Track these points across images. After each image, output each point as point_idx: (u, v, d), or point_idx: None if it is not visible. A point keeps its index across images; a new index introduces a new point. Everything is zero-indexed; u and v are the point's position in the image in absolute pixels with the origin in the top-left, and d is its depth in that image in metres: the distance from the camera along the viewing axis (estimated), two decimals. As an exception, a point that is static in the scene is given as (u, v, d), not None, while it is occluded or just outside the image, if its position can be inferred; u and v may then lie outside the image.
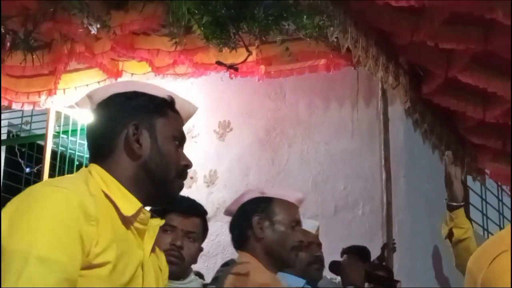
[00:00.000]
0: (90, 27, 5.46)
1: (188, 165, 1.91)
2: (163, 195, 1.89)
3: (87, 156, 6.23)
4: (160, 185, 1.86)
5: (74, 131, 7.43)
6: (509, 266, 1.83)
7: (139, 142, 1.84)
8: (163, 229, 2.68)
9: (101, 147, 1.86)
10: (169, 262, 2.75)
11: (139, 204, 1.81)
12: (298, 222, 2.73)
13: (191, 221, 2.85)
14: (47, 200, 1.62)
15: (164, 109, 1.91)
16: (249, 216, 2.67)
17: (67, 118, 7.31)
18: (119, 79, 6.37)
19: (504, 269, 1.83)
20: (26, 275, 1.51)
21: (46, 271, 1.53)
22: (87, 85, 6.48)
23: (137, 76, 6.35)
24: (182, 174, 1.91)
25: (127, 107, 1.87)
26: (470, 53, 5.03)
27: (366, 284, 4.89)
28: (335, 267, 3.97)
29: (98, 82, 6.44)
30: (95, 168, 1.83)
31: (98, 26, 5.49)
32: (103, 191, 1.77)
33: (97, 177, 1.80)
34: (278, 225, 2.66)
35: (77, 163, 7.37)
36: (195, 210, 2.89)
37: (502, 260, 1.85)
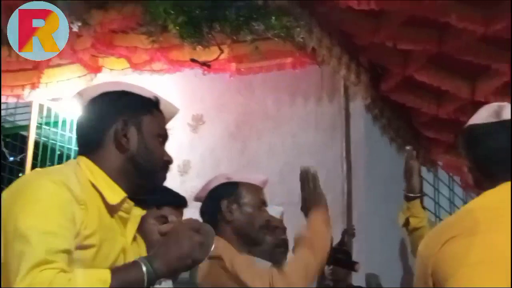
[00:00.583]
0: (71, 25, 5.42)
1: (170, 160, 1.96)
2: (147, 186, 1.92)
3: (68, 146, 6.14)
4: (146, 177, 1.89)
5: (55, 123, 7.36)
6: (456, 251, 1.85)
7: (126, 136, 1.86)
8: (160, 221, 2.71)
9: (91, 140, 1.88)
10: None
11: (124, 194, 1.83)
12: (264, 203, 2.73)
13: (180, 212, 2.89)
14: (43, 187, 1.66)
15: (150, 108, 1.94)
16: (217, 201, 2.67)
17: (49, 110, 7.23)
18: (99, 74, 6.38)
19: (452, 254, 1.85)
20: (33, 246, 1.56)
21: (49, 241, 1.58)
22: (68, 79, 6.46)
23: (116, 71, 6.34)
24: (165, 168, 1.95)
25: (117, 105, 1.90)
26: (426, 53, 5.07)
27: (327, 267, 4.92)
28: None
29: (79, 77, 6.42)
30: (83, 160, 1.85)
31: (80, 24, 5.45)
32: (90, 181, 1.79)
33: (85, 168, 1.82)
34: (246, 207, 2.66)
35: (59, 152, 7.30)
36: (184, 203, 2.93)
37: (450, 246, 1.86)
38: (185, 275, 2.50)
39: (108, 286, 1.57)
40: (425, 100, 5.81)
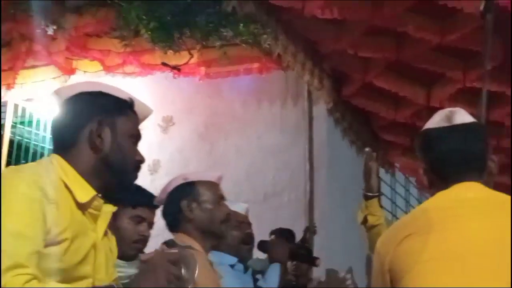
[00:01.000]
0: (47, 28, 5.38)
1: (142, 160, 1.93)
2: (119, 185, 1.90)
3: (42, 145, 6.04)
4: (118, 176, 1.87)
5: (30, 122, 7.28)
6: (411, 248, 1.86)
7: (101, 136, 1.83)
8: (134, 220, 2.77)
9: (65, 139, 1.85)
10: (138, 250, 2.81)
11: (94, 192, 1.80)
12: (222, 198, 2.72)
13: (154, 213, 2.89)
14: (14, 186, 1.64)
15: (125, 109, 1.91)
16: (177, 202, 2.65)
17: (23, 110, 7.15)
18: (73, 76, 6.30)
19: (407, 251, 1.86)
20: (2, 247, 1.53)
21: (19, 243, 1.56)
22: (42, 80, 6.40)
23: (89, 74, 6.28)
24: (136, 168, 1.93)
25: (92, 105, 1.87)
26: (385, 61, 5.10)
27: (290, 262, 4.92)
28: (263, 246, 3.96)
29: (53, 78, 6.35)
30: (56, 158, 1.82)
31: (55, 27, 5.41)
32: (62, 180, 1.76)
33: (57, 166, 1.79)
34: (205, 204, 2.64)
35: (32, 151, 7.21)
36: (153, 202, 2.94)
37: (405, 244, 1.88)
38: None
39: None
40: (383, 105, 5.85)
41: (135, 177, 1.95)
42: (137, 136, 1.93)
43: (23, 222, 1.59)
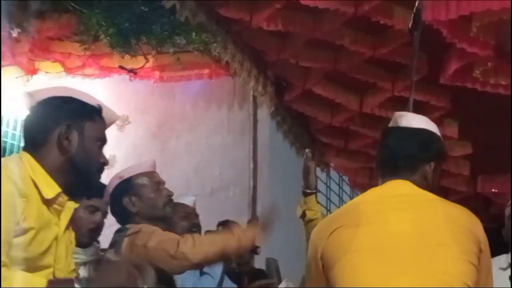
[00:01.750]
0: (11, 31, 5.28)
1: (106, 162, 1.92)
2: (83, 185, 1.89)
3: (5, 139, 5.82)
4: (82, 176, 1.85)
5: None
6: (341, 240, 1.86)
7: (68, 139, 1.81)
8: (88, 210, 2.79)
9: (36, 139, 1.83)
10: (92, 238, 2.87)
11: (59, 189, 1.78)
12: (160, 183, 2.67)
13: (107, 203, 2.86)
14: None
15: (93, 115, 1.89)
16: (120, 200, 2.60)
17: (-13, 107, 6.98)
18: (35, 76, 6.22)
19: (338, 242, 1.86)
20: None
21: None
22: (6, 79, 6.26)
23: (51, 74, 6.22)
24: (100, 169, 1.91)
25: (62, 109, 1.84)
26: (323, 70, 5.14)
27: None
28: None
29: (16, 78, 6.24)
30: (25, 156, 1.79)
31: (19, 30, 5.32)
32: (30, 177, 1.74)
33: (26, 163, 1.77)
34: (145, 195, 2.59)
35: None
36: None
37: (337, 235, 1.88)
38: (110, 254, 2.45)
39: None
40: (320, 110, 5.88)
41: (99, 178, 1.94)
42: (102, 140, 1.91)
43: None
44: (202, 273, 3.53)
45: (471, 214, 1.91)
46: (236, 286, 3.65)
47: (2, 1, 4.71)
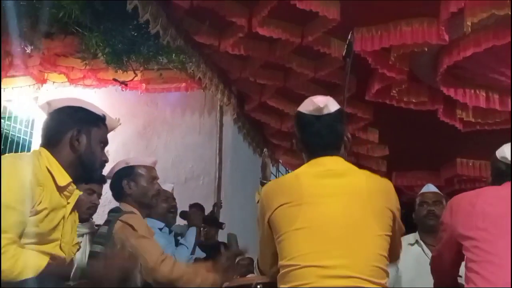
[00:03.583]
0: (26, 48, 5.20)
1: (106, 160, 1.97)
2: (87, 177, 1.93)
3: (18, 135, 5.67)
4: (87, 170, 1.88)
5: (9, 118, 6.93)
6: (286, 216, 1.79)
7: (78, 141, 1.85)
8: (87, 192, 2.80)
9: (52, 139, 1.85)
10: (90, 215, 2.90)
11: (70, 179, 1.81)
12: (154, 178, 2.63)
13: (101, 187, 2.89)
14: (13, 171, 1.65)
15: (98, 122, 1.94)
16: (120, 180, 2.56)
17: (5, 108, 6.80)
18: (44, 85, 6.16)
19: (283, 218, 1.80)
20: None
21: (9, 213, 1.58)
22: (21, 87, 6.15)
23: (57, 84, 6.14)
24: (102, 165, 1.96)
25: (74, 117, 1.88)
26: (275, 87, 5.17)
27: (202, 228, 4.90)
28: (184, 215, 3.93)
29: (29, 85, 6.15)
30: (43, 151, 1.81)
31: (32, 47, 5.23)
32: (46, 167, 1.76)
33: (44, 157, 1.79)
34: (140, 183, 2.55)
35: (10, 140, 6.86)
36: (104, 180, 2.87)
37: (282, 211, 1.81)
38: (103, 229, 2.41)
39: (37, 273, 1.57)
40: (273, 118, 5.92)
41: (100, 172, 1.97)
42: (105, 143, 1.96)
43: (15, 198, 1.59)
44: (178, 244, 3.50)
45: (387, 184, 1.87)
46: (205, 255, 3.62)
47: (12, 18, 4.61)
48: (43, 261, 1.61)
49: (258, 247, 2.02)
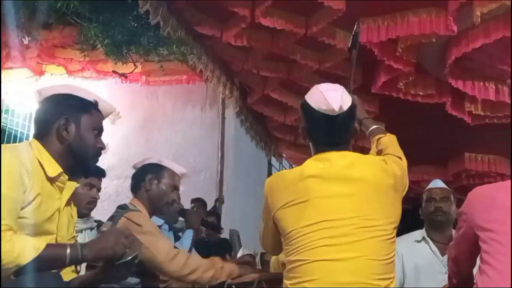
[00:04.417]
0: (23, 39, 5.18)
1: (102, 147, 1.89)
2: (81, 167, 1.87)
3: (16, 128, 5.67)
4: (79, 160, 1.84)
5: (6, 110, 6.95)
6: (292, 214, 1.80)
7: (67, 130, 1.80)
8: (87, 187, 2.80)
9: (41, 129, 1.82)
10: (90, 209, 2.89)
11: (60, 170, 1.78)
12: (176, 187, 2.63)
13: (100, 180, 2.91)
14: (4, 160, 1.63)
15: (89, 108, 1.86)
16: (145, 173, 2.57)
17: (2, 101, 6.81)
18: (42, 77, 6.15)
19: (289, 216, 1.81)
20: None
21: (4, 201, 1.58)
22: (18, 79, 6.16)
23: (55, 76, 6.13)
24: (98, 153, 1.88)
25: (62, 105, 1.83)
26: (279, 79, 5.14)
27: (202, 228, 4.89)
28: (182, 213, 3.88)
29: (26, 78, 6.16)
30: (34, 142, 1.80)
31: (29, 39, 5.22)
32: (37, 159, 1.75)
33: (35, 148, 1.77)
34: (162, 185, 2.55)
35: (7, 132, 6.89)
36: (103, 174, 2.94)
37: (288, 209, 1.83)
38: (106, 225, 2.42)
39: (37, 253, 1.56)
40: (276, 111, 5.89)
41: (96, 161, 1.90)
42: (99, 129, 1.88)
43: (7, 186, 1.59)
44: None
45: (386, 160, 1.91)
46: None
47: (10, 8, 4.60)
48: (42, 242, 1.61)
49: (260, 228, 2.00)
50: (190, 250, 3.17)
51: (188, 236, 3.22)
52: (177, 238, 3.47)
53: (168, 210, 2.66)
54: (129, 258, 1.68)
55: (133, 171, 2.66)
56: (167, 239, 2.39)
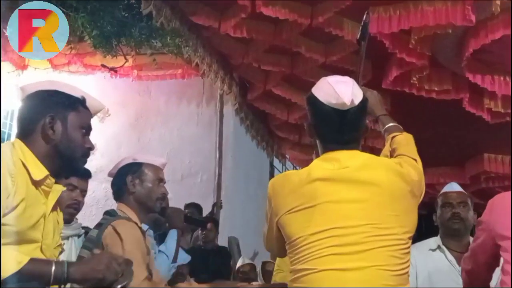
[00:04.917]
0: (4, 30, 5.17)
1: (91, 147, 1.88)
2: (68, 169, 1.87)
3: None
4: (67, 161, 1.82)
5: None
6: (298, 221, 1.78)
7: (53, 129, 1.78)
8: (67, 188, 2.68)
9: (25, 128, 1.80)
10: (72, 214, 2.81)
11: (46, 172, 1.76)
12: (161, 180, 2.63)
13: (85, 182, 2.86)
14: None
15: (76, 105, 1.85)
16: (124, 176, 2.56)
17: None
18: (25, 71, 6.15)
19: (295, 222, 1.80)
20: None
21: None
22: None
23: (39, 70, 6.14)
24: (86, 154, 1.87)
25: (47, 102, 1.81)
26: (281, 74, 5.14)
27: (200, 231, 4.88)
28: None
29: (8, 72, 6.15)
30: (17, 142, 1.78)
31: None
32: (21, 160, 1.72)
33: (18, 149, 1.75)
34: (146, 183, 2.56)
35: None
36: (88, 175, 2.88)
37: (294, 215, 1.81)
38: (93, 233, 2.41)
39: (19, 267, 1.54)
40: (278, 109, 5.89)
41: (84, 162, 1.89)
42: (87, 128, 1.87)
43: None
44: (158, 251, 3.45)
45: (402, 163, 1.87)
46: (189, 259, 3.48)
47: (2, 2, 4.59)
48: (25, 257, 1.59)
49: (262, 234, 1.98)
50: (176, 252, 3.14)
51: (172, 237, 3.16)
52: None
53: (161, 206, 2.65)
54: (119, 286, 1.65)
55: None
56: (143, 266, 2.34)
